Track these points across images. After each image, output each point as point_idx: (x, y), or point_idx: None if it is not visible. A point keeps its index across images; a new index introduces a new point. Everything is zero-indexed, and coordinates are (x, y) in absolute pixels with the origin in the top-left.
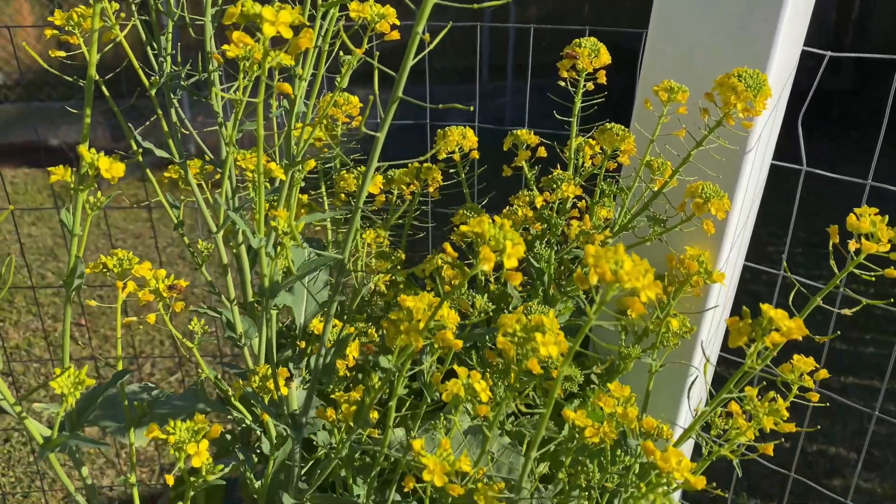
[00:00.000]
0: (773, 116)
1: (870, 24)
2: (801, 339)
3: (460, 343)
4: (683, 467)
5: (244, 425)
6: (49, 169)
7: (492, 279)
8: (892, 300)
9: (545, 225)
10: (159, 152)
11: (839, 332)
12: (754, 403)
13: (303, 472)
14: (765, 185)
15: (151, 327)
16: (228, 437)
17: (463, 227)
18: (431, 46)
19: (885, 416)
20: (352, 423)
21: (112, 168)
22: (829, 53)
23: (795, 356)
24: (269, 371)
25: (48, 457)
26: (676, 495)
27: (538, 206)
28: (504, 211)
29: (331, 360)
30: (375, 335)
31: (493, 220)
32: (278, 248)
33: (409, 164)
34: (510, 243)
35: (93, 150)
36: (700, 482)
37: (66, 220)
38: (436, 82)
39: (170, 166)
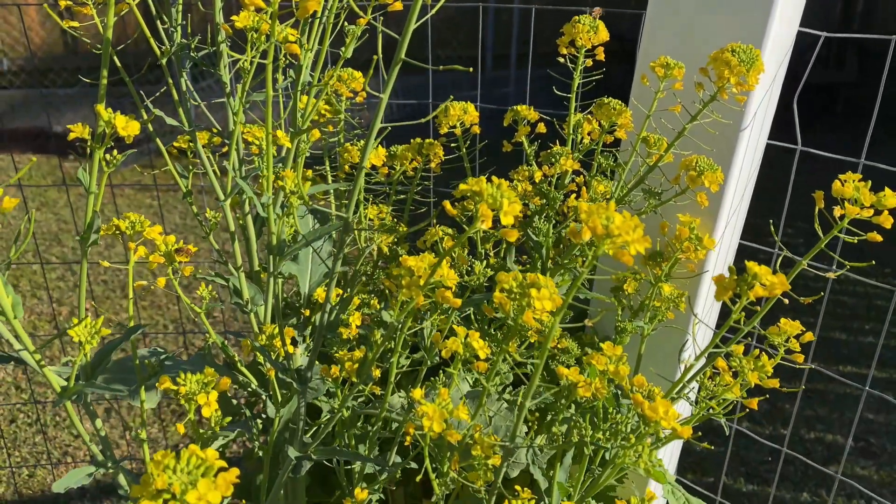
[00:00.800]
0: (769, 95)
1: (874, 17)
2: (785, 299)
3: (459, 301)
4: (670, 416)
5: (250, 389)
6: (69, 126)
7: (491, 253)
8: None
9: (544, 200)
10: (169, 120)
11: (822, 294)
12: (740, 360)
13: (308, 434)
14: (768, 175)
15: (156, 310)
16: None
17: (462, 186)
18: (434, 11)
19: (875, 392)
20: (355, 379)
21: (128, 126)
22: (825, 34)
23: (783, 319)
24: (276, 330)
25: (65, 405)
26: (672, 466)
27: (537, 180)
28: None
29: (335, 317)
30: (378, 305)
31: (491, 180)
32: (285, 209)
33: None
34: (507, 201)
35: (108, 109)
36: (686, 431)
37: (83, 179)
38: (440, 71)
39: (179, 136)
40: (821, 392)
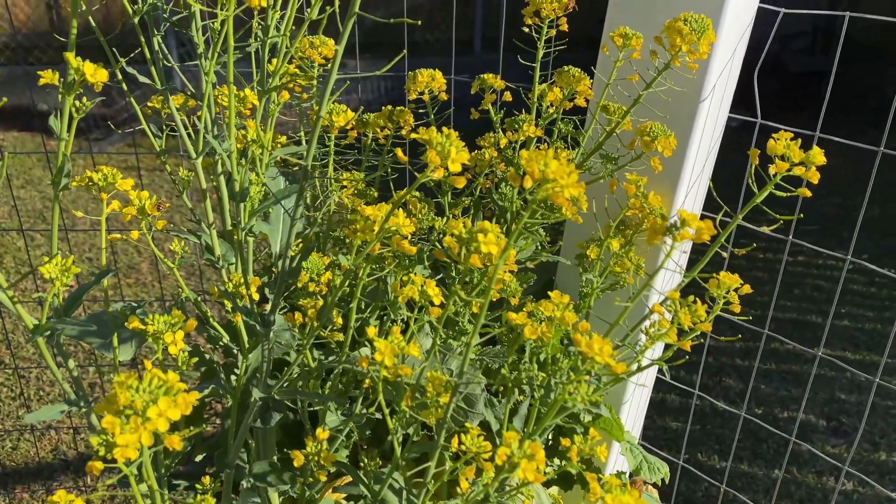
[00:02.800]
0: (728, 69)
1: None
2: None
3: (414, 249)
4: (605, 352)
5: (221, 344)
6: (39, 73)
7: (459, 216)
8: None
9: (509, 166)
10: (142, 79)
11: (755, 245)
12: (676, 305)
13: (274, 386)
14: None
15: (141, 288)
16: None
17: (413, 135)
18: None
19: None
20: (315, 323)
21: (96, 74)
22: (783, 10)
23: (722, 273)
24: (242, 279)
25: (38, 342)
26: (636, 431)
27: (502, 146)
28: (472, 154)
29: (297, 263)
30: (346, 265)
31: (441, 131)
32: (247, 158)
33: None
34: (454, 149)
35: (79, 58)
36: (620, 367)
37: (53, 126)
38: (429, 54)
39: (153, 96)
40: (795, 373)
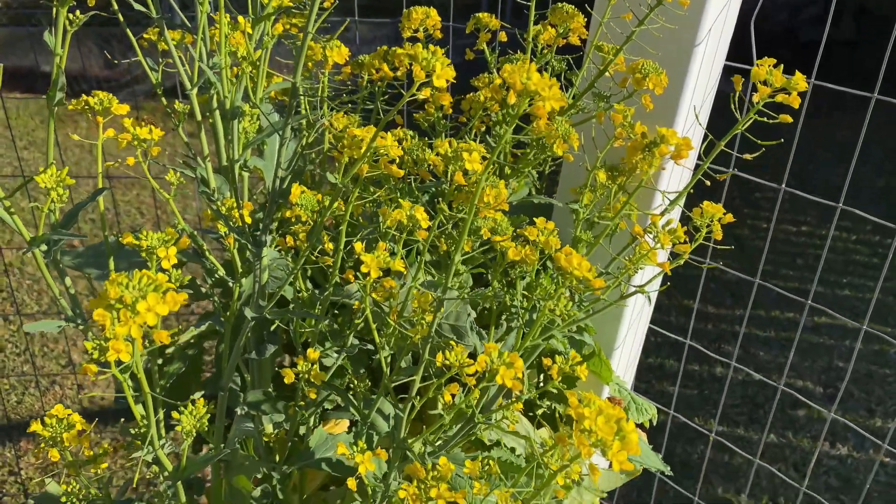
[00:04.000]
0: (725, 14)
1: None
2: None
3: (402, 172)
4: (583, 267)
5: (217, 277)
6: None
7: None
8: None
9: (503, 107)
10: (137, 6)
11: (735, 171)
12: (656, 228)
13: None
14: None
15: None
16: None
17: (399, 51)
18: None
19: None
20: (305, 245)
21: None
22: None
23: (705, 203)
24: (235, 203)
25: (34, 253)
26: (629, 378)
27: (496, 85)
28: (468, 96)
29: (287, 185)
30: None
31: (427, 48)
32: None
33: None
34: (439, 65)
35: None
36: (598, 282)
37: (48, 41)
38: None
39: (149, 28)
40: (794, 341)
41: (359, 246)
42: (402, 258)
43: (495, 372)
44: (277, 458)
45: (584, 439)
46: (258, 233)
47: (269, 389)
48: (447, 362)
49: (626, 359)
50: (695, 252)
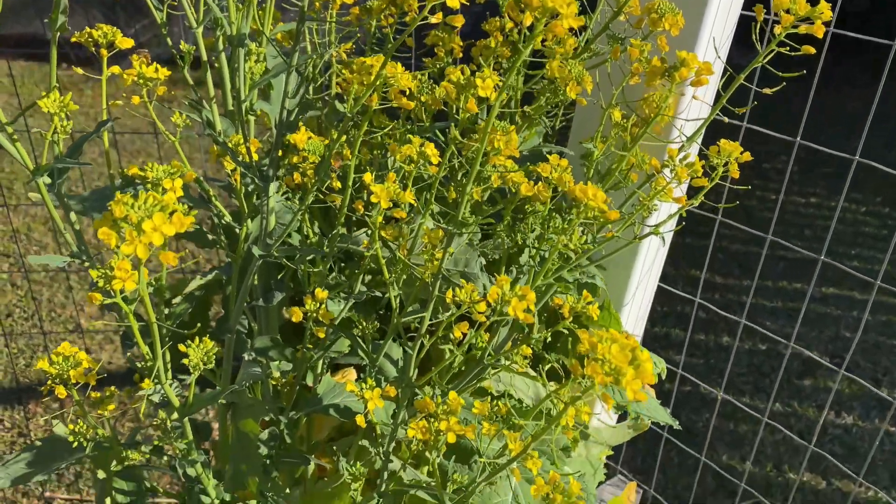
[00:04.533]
0: None
1: None
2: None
3: (412, 104)
4: (598, 198)
5: (224, 222)
6: None
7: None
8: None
9: (514, 53)
10: None
11: (756, 103)
12: (673, 161)
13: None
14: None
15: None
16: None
17: None
18: None
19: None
20: (314, 180)
21: None
22: None
23: (722, 140)
24: (242, 139)
25: (38, 185)
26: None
27: (507, 29)
28: (479, 42)
29: (294, 117)
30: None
31: None
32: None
33: None
34: None
35: None
36: (613, 214)
37: None
38: None
39: None
40: (801, 311)
41: (368, 176)
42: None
43: (507, 304)
44: (285, 403)
45: (598, 368)
46: (265, 167)
47: (277, 337)
48: (457, 299)
49: (634, 315)
50: (705, 221)
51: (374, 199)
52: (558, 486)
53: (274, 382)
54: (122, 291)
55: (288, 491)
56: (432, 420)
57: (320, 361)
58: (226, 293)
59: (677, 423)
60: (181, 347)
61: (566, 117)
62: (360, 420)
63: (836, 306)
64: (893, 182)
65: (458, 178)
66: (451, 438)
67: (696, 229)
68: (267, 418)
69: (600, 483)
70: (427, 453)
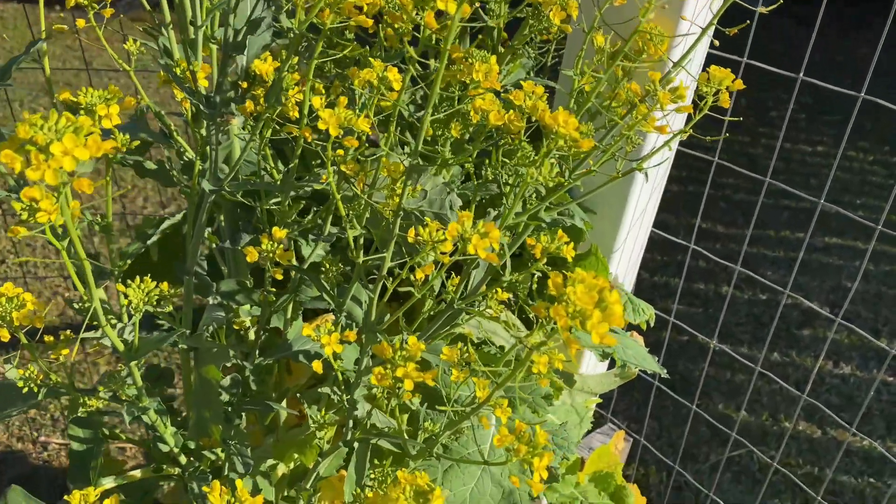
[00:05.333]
0: None
1: None
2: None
3: (370, 21)
4: (570, 125)
5: (185, 160)
6: None
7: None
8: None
9: None
10: None
11: (748, 23)
12: (655, 84)
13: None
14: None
15: None
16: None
17: None
18: None
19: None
20: (266, 107)
21: None
22: None
23: (712, 67)
24: (188, 63)
25: None
26: (629, 285)
27: None
28: None
29: (242, 37)
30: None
31: None
32: None
33: None
34: None
35: None
36: (586, 143)
37: None
38: None
39: None
40: (804, 262)
41: (317, 101)
42: (372, 126)
43: (468, 242)
44: (249, 349)
45: (562, 310)
46: (212, 94)
47: (245, 280)
48: (420, 238)
49: (625, 263)
50: (707, 170)
51: (321, 126)
52: (523, 437)
53: (237, 327)
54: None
55: (261, 438)
56: (389, 366)
57: (290, 306)
58: (182, 232)
59: (665, 371)
60: (119, 288)
61: (558, 53)
62: (316, 366)
63: (838, 256)
64: None
65: (430, 111)
66: (409, 385)
67: (699, 177)
68: (229, 364)
69: (588, 432)
70: (389, 400)
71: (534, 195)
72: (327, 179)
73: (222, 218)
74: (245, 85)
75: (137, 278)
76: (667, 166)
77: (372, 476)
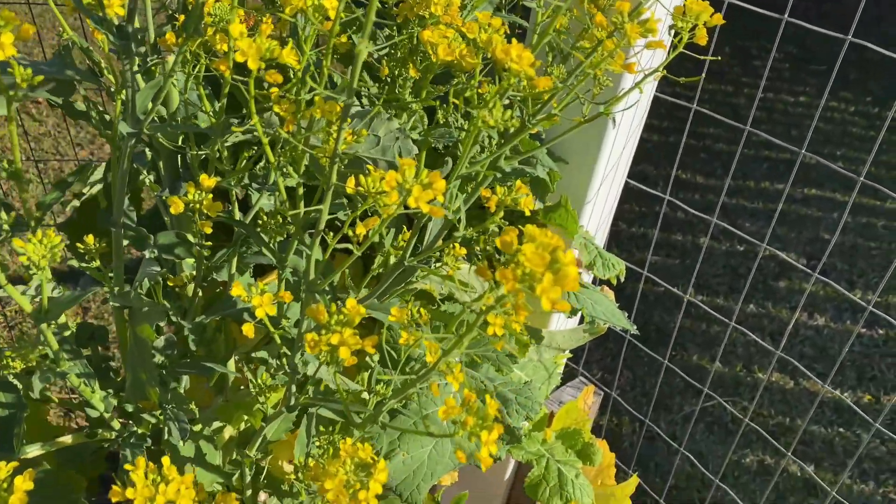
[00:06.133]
0: None
1: None
2: None
3: None
4: (524, 60)
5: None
6: None
7: None
8: None
9: None
10: None
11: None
12: (622, 17)
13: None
14: None
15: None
16: None
17: None
18: None
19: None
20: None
21: None
22: None
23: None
24: None
25: None
26: (601, 240)
27: None
28: None
29: None
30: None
31: None
32: None
33: None
34: None
35: None
36: (543, 82)
37: None
38: None
39: None
40: (783, 213)
41: (235, 28)
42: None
43: (408, 193)
44: (187, 306)
45: (508, 273)
46: (125, 23)
47: (185, 233)
48: (361, 189)
49: (598, 215)
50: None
51: (238, 58)
52: (471, 408)
53: (172, 284)
54: None
55: (211, 399)
56: (324, 332)
57: (234, 260)
58: (107, 181)
59: (635, 327)
60: (16, 243)
61: None
62: (247, 330)
63: (817, 207)
64: (885, 83)
65: (366, 41)
66: (345, 354)
67: (680, 128)
68: (163, 322)
69: (557, 387)
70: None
71: (495, 143)
72: (254, 121)
73: (161, 165)
74: (182, 18)
75: (40, 231)
76: (643, 113)
77: (317, 444)
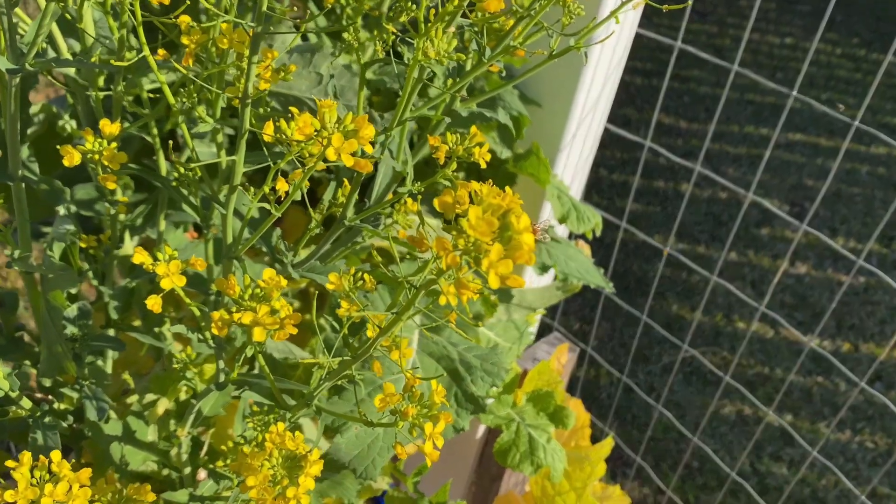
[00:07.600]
0: None
1: None
2: None
3: None
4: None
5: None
6: None
7: None
8: None
9: None
10: None
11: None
12: None
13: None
14: None
15: None
16: None
17: None
18: None
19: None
20: None
21: None
22: None
23: None
24: None
25: None
26: (577, 192)
27: None
28: None
29: None
30: None
31: None
32: None
33: None
34: None
35: None
36: (493, 4)
37: None
38: None
39: None
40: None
41: None
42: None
43: (328, 143)
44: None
45: (448, 243)
46: None
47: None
48: (281, 136)
49: (574, 163)
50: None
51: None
52: (413, 396)
53: (84, 245)
54: None
55: (151, 366)
56: (235, 309)
57: (162, 219)
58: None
59: (611, 285)
60: None
61: None
62: (152, 302)
63: (801, 153)
64: (871, 24)
65: None
66: (259, 336)
67: (664, 70)
68: (74, 290)
69: (529, 345)
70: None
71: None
72: (145, 53)
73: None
74: None
75: None
76: (623, 50)
77: (251, 425)
